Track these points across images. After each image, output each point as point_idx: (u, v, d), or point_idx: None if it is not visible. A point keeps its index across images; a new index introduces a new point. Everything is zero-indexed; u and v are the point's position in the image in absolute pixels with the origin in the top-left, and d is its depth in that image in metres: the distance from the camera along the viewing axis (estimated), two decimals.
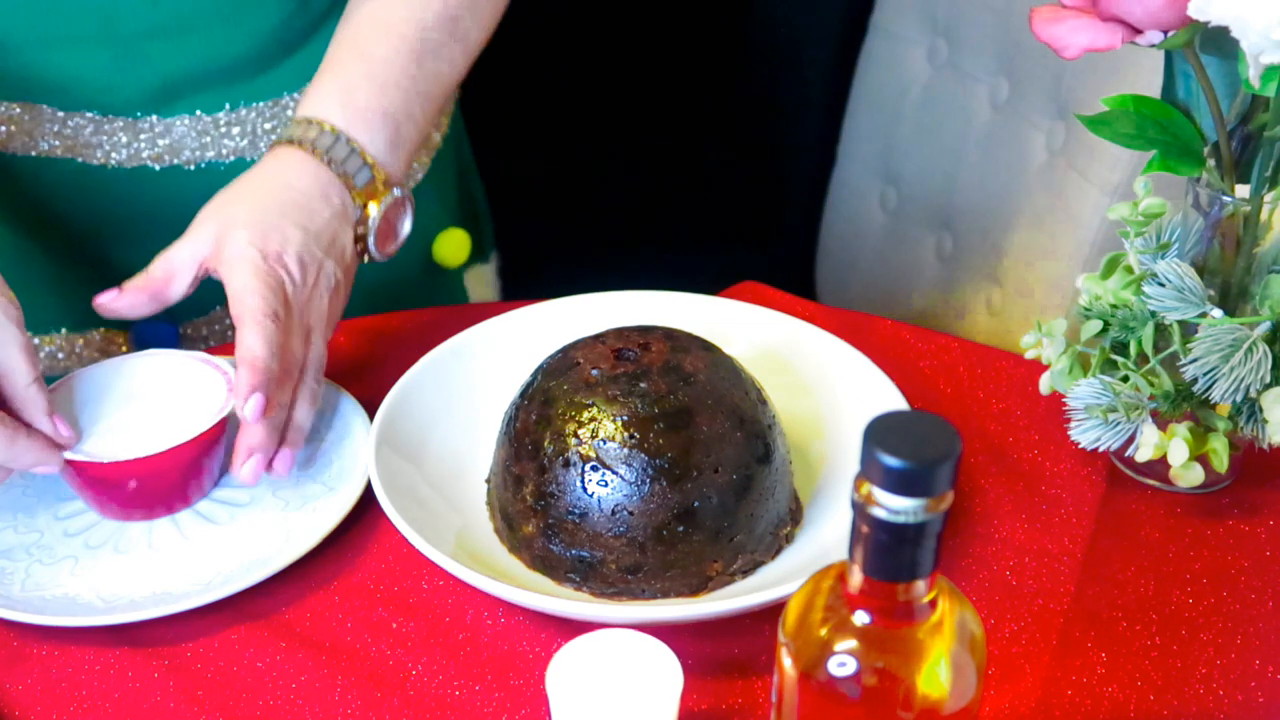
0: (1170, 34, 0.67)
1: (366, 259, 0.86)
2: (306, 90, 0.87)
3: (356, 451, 0.81)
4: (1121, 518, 0.79)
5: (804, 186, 1.66)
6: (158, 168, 0.94)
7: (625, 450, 0.70)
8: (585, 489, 0.70)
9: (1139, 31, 0.68)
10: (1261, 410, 0.73)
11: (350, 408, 0.84)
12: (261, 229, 0.79)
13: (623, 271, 0.98)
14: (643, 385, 0.71)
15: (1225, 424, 0.76)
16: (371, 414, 0.80)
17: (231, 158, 0.96)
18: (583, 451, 0.71)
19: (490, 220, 1.24)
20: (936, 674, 0.50)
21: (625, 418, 0.70)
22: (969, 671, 0.51)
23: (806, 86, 1.66)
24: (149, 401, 0.77)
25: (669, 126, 1.78)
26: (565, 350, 0.76)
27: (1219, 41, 0.67)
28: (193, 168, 0.95)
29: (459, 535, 0.75)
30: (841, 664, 0.50)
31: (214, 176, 0.95)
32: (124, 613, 0.70)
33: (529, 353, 0.80)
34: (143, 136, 0.93)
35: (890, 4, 1.47)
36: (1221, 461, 0.75)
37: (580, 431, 0.71)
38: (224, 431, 0.78)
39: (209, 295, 0.98)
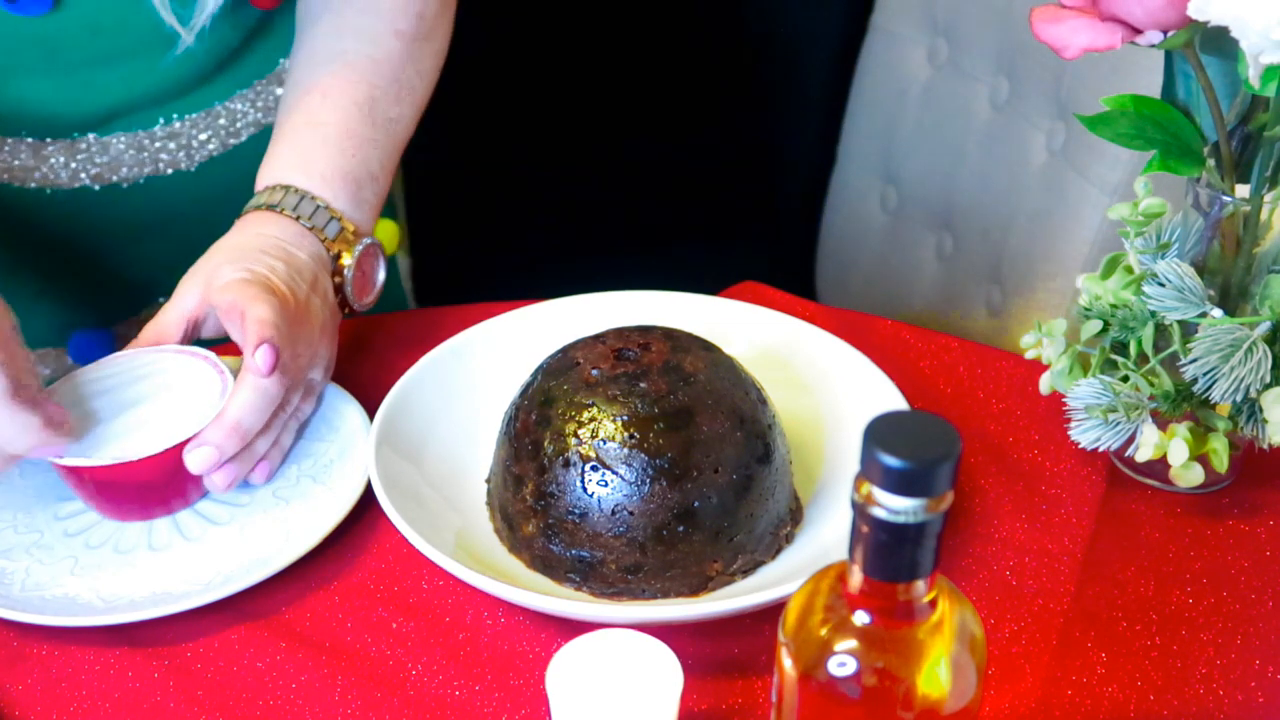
0: (1170, 34, 0.67)
1: (347, 311, 0.87)
2: (264, 161, 0.89)
3: (356, 451, 0.81)
4: (1121, 518, 0.79)
5: (804, 186, 1.66)
6: (98, 187, 0.94)
7: (625, 450, 0.70)
8: (585, 489, 0.70)
9: (1139, 31, 0.68)
10: (1261, 410, 0.73)
11: (350, 408, 0.84)
12: (245, 262, 0.80)
13: (623, 271, 0.98)
14: (643, 385, 0.71)
15: (1225, 424, 0.76)
16: (371, 414, 0.80)
17: (170, 170, 0.96)
18: (583, 451, 0.71)
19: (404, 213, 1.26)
20: (936, 674, 0.50)
21: (625, 418, 0.70)
22: (969, 671, 0.51)
23: (806, 86, 1.66)
24: (146, 401, 0.77)
25: (670, 126, 1.78)
26: (565, 350, 0.76)
27: (1219, 41, 0.67)
28: (128, 185, 0.95)
29: (459, 535, 0.75)
30: (841, 664, 0.50)
31: (154, 191, 0.96)
32: (124, 613, 0.70)
33: (529, 353, 0.80)
34: (79, 157, 0.92)
35: (890, 4, 1.48)
36: (1221, 461, 0.75)
37: (580, 431, 0.71)
38: None
39: (141, 294, 0.99)
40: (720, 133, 1.79)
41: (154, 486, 0.76)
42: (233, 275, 0.79)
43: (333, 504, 0.77)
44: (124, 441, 0.74)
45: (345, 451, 0.81)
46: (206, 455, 0.74)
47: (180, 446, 0.74)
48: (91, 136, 0.92)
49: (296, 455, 0.81)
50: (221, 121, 0.97)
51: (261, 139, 0.97)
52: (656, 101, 1.76)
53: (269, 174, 0.87)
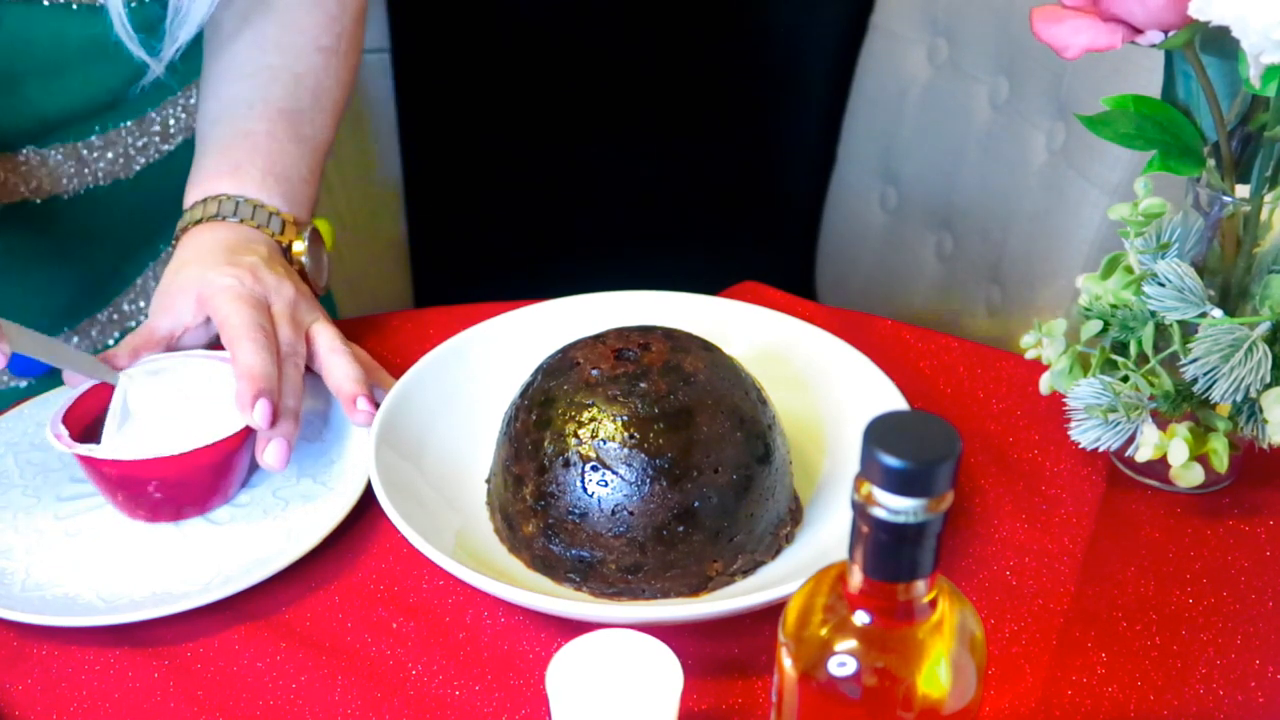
0: (1170, 34, 0.67)
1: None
2: (193, 172, 0.90)
3: (356, 451, 0.81)
4: (1121, 518, 0.79)
5: (804, 186, 1.66)
6: (39, 200, 0.93)
7: (625, 450, 0.70)
8: (585, 489, 0.70)
9: (1139, 31, 0.68)
10: (1261, 410, 0.73)
11: None
12: (227, 261, 0.82)
13: (622, 272, 0.98)
14: (643, 385, 0.71)
15: (1225, 424, 0.76)
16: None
17: (108, 181, 0.96)
18: (583, 451, 0.71)
19: None
20: (936, 674, 0.50)
21: (625, 418, 0.70)
22: (969, 671, 0.51)
23: (806, 86, 1.67)
24: (182, 403, 0.78)
25: (669, 126, 1.78)
26: (565, 350, 0.76)
27: (1219, 41, 0.67)
28: (69, 197, 0.95)
29: (459, 535, 0.75)
30: (841, 664, 0.50)
31: (93, 202, 0.96)
32: (124, 613, 0.70)
33: (529, 353, 0.80)
34: (21, 169, 0.92)
35: (890, 4, 1.48)
36: (1221, 461, 0.75)
37: (580, 431, 0.71)
38: (248, 437, 0.78)
39: (77, 306, 0.98)
40: (720, 133, 1.79)
41: (179, 486, 0.76)
42: (223, 282, 0.80)
43: (333, 504, 0.77)
44: (152, 440, 0.75)
45: (345, 451, 0.81)
46: (280, 448, 0.76)
47: (211, 447, 0.75)
48: (30, 149, 0.92)
49: (297, 455, 0.81)
50: (155, 128, 0.98)
51: (193, 145, 0.98)
52: (657, 102, 1.76)
53: (199, 186, 0.89)
